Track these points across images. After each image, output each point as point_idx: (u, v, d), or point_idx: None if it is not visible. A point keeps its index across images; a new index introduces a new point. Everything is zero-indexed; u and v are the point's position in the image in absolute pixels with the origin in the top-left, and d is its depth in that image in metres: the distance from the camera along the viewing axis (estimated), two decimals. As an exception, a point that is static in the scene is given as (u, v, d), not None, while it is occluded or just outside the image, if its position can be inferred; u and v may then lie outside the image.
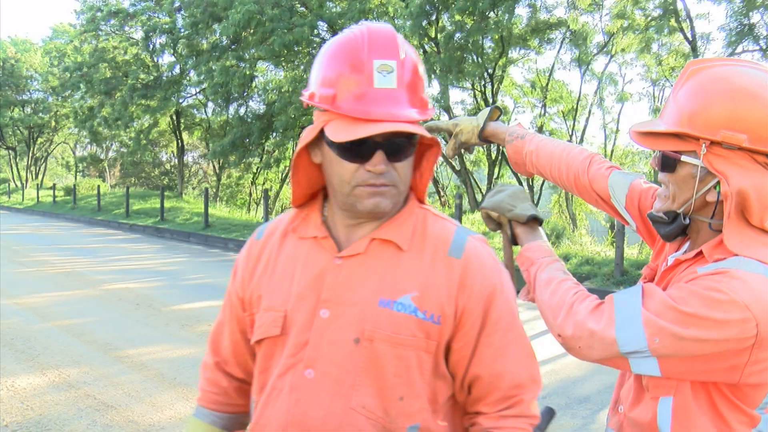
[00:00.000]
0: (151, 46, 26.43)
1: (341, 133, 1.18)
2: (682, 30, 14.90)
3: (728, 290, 1.24)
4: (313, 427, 1.24)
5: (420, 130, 1.19)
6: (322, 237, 1.32)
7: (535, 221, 1.64)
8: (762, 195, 1.27)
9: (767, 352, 1.25)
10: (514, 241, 1.67)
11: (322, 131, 1.24)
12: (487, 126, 1.90)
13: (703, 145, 1.29)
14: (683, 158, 1.34)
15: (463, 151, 1.98)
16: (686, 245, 1.47)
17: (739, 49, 14.28)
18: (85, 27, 27.87)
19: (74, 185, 32.92)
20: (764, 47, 13.14)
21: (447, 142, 2.00)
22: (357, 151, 1.21)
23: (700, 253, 1.37)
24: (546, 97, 22.18)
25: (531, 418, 1.31)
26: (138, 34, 27.35)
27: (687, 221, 1.40)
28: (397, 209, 1.32)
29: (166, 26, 24.44)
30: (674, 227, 1.41)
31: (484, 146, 2.11)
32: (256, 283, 1.38)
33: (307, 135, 1.26)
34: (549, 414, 1.55)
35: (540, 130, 22.67)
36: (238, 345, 1.46)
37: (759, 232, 1.31)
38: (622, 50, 19.17)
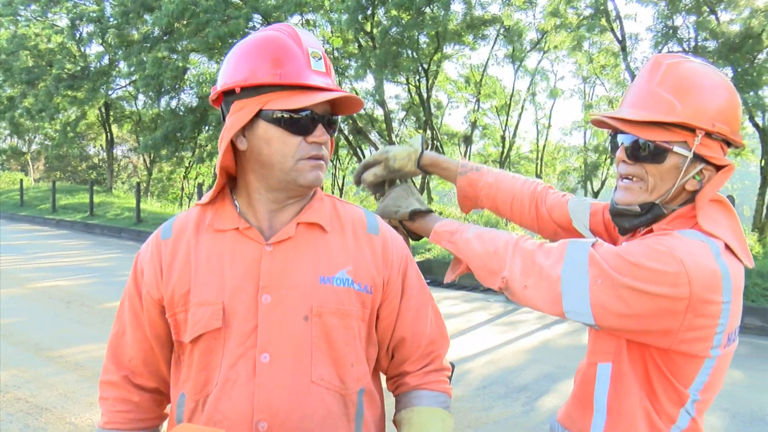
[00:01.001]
0: (78, 35, 25.36)
1: (294, 103, 1.27)
2: (612, 30, 15.41)
3: (668, 244, 1.31)
4: (281, 409, 1.28)
5: (359, 100, 1.35)
6: (245, 228, 1.36)
7: (418, 214, 1.69)
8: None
9: (701, 319, 1.31)
10: (413, 238, 1.73)
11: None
12: (425, 154, 1.83)
13: (700, 135, 1.37)
14: (675, 149, 1.38)
15: (398, 180, 1.85)
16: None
17: (665, 50, 14.88)
18: (1, 11, 26.41)
19: (-6, 179, 31.44)
20: (687, 49, 13.75)
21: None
22: (301, 124, 1.30)
23: (651, 230, 1.44)
24: (480, 93, 22.55)
25: (446, 370, 1.52)
26: (63, 22, 26.23)
27: (665, 211, 1.44)
28: (309, 195, 1.43)
29: (94, 14, 23.51)
30: (648, 218, 1.45)
31: (423, 175, 1.96)
32: (177, 281, 1.36)
33: (239, 121, 1.30)
34: (451, 368, 1.68)
35: (473, 125, 23.03)
36: (150, 352, 1.43)
37: (710, 205, 1.42)
38: (555, 47, 19.68)
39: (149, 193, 27.76)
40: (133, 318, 1.42)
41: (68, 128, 27.24)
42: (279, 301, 1.32)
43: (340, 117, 1.40)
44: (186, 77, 22.08)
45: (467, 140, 23.55)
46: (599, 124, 1.52)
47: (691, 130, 1.38)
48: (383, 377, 1.56)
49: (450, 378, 1.59)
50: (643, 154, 1.41)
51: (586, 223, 1.68)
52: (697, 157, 1.39)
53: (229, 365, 1.30)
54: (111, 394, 1.46)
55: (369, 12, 17.37)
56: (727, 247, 1.38)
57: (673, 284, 1.28)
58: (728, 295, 1.32)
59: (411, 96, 21.64)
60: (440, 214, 16.76)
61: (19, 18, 26.61)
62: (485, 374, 5.68)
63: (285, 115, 1.29)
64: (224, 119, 1.35)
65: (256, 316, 1.31)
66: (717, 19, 12.99)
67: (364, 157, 23.01)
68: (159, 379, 1.46)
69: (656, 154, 1.40)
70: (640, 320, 1.32)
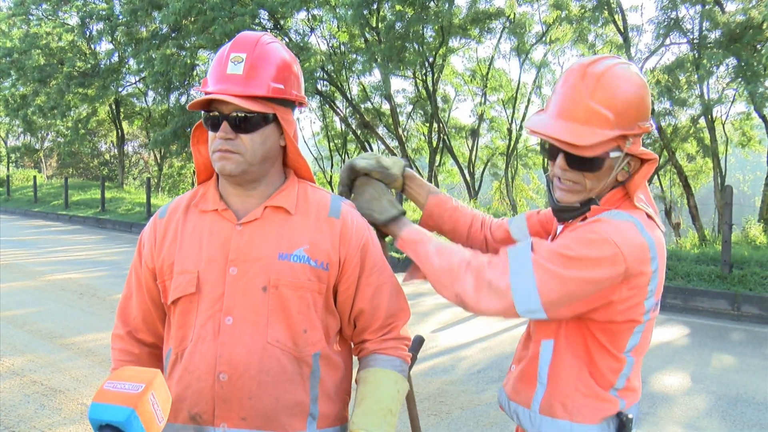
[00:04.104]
0: (88, 33, 25.61)
1: (193, 106, 1.51)
2: (614, 22, 15.43)
3: (599, 231, 1.48)
4: (239, 363, 1.51)
5: (240, 102, 1.45)
6: (223, 209, 1.60)
7: (393, 219, 1.78)
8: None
9: (635, 289, 1.49)
10: (382, 235, 1.83)
11: None
12: (408, 169, 1.96)
13: (630, 139, 1.54)
14: (612, 155, 1.54)
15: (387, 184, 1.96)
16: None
17: (668, 41, 14.90)
18: (14, 10, 26.57)
19: (7, 176, 31.86)
20: (692, 39, 13.75)
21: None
22: (212, 123, 1.51)
23: (585, 218, 1.61)
24: (486, 86, 22.57)
25: (405, 339, 1.69)
26: (73, 20, 26.49)
27: (599, 203, 1.61)
28: (280, 182, 1.62)
29: (103, 13, 23.73)
30: (585, 209, 1.61)
31: (400, 192, 2.07)
32: (166, 253, 1.61)
33: (197, 124, 1.61)
34: (419, 341, 1.90)
35: (481, 118, 23.10)
36: (148, 312, 1.70)
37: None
38: (557, 40, 19.69)
39: (160, 189, 28.05)
40: (137, 284, 1.69)
41: (80, 125, 27.59)
42: (243, 273, 1.53)
43: (256, 113, 1.50)
44: (194, 73, 22.24)
45: (474, 133, 23.61)
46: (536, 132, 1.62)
47: (623, 135, 1.53)
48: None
49: (415, 351, 1.80)
50: (583, 165, 1.55)
51: (525, 231, 1.88)
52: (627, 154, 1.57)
53: (201, 325, 1.54)
54: (118, 345, 1.73)
55: (374, 7, 17.49)
56: (649, 217, 1.57)
57: (612, 264, 1.45)
58: (656, 264, 1.52)
59: (418, 90, 21.73)
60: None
61: (30, 17, 26.89)
62: (480, 359, 5.87)
63: (204, 117, 1.53)
64: None
65: (223, 284, 1.53)
66: (722, 9, 13.00)
67: (371, 150, 23.15)
68: (156, 336, 1.72)
69: (595, 163, 1.55)
70: (587, 303, 1.50)
